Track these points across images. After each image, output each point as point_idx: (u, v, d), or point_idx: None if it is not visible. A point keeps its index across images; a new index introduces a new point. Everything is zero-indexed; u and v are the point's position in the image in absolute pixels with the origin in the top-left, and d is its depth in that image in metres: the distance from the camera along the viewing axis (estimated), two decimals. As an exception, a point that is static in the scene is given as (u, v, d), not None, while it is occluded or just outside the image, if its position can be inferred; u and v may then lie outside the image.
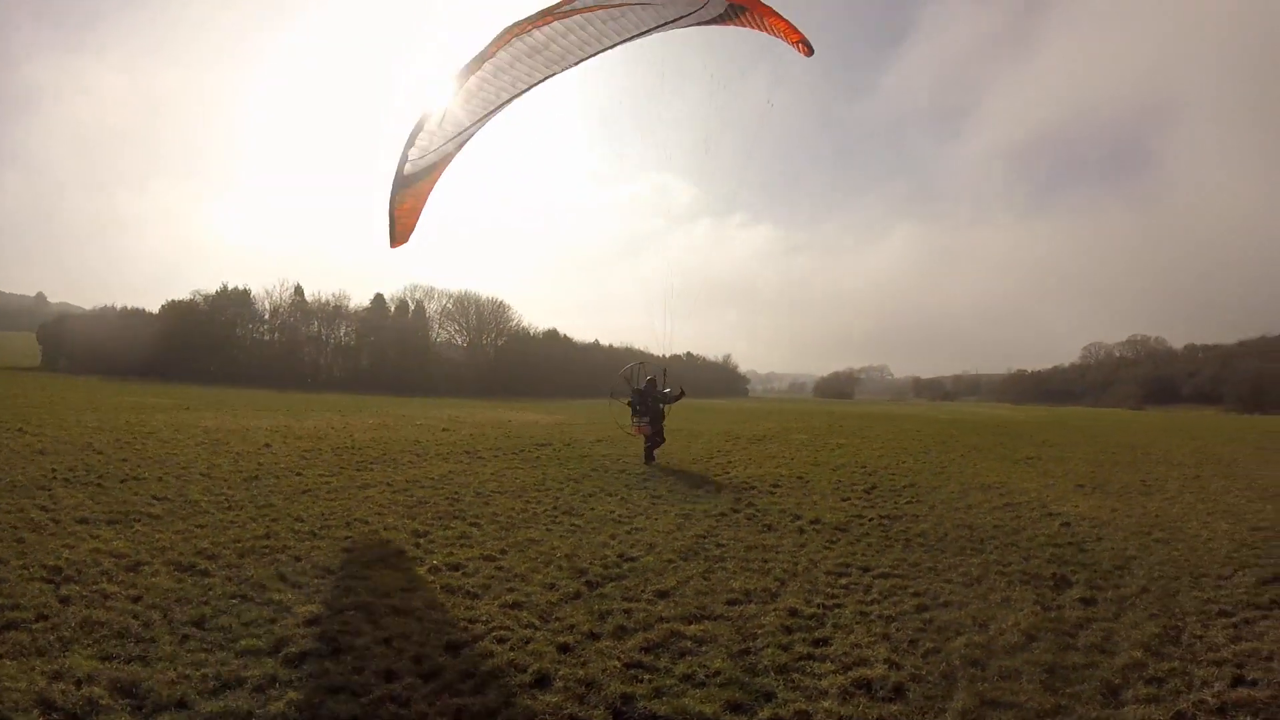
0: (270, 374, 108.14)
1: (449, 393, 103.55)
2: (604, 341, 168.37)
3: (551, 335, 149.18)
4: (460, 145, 15.38)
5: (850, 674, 7.67)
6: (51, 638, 7.63)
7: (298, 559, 11.03)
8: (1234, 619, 9.81)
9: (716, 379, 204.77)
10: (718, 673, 7.58)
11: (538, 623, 8.84)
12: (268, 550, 11.40)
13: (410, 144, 14.37)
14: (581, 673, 7.45)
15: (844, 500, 18.13)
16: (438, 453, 23.99)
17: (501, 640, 8.23)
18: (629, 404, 24.08)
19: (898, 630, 9.05)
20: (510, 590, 10.04)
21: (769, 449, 29.57)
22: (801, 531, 14.58)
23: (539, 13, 12.94)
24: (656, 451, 24.34)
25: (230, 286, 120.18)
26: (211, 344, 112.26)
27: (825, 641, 8.58)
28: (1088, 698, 7.34)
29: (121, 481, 16.26)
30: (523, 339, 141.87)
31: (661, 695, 7.08)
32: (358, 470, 19.55)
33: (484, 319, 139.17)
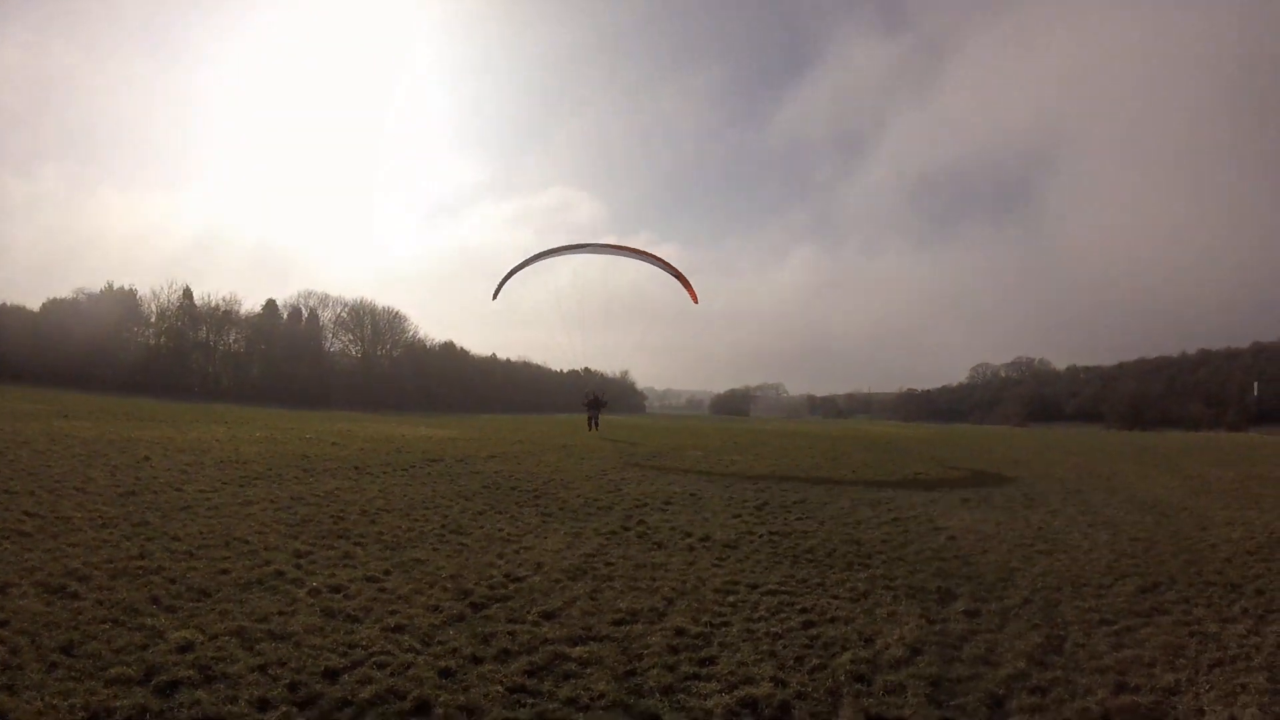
0: (155, 381, 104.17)
1: (342, 405, 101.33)
2: (502, 355, 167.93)
3: (449, 348, 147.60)
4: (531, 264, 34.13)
5: (736, 693, 7.72)
6: (-87, 667, 7.23)
7: (172, 581, 10.54)
8: (1115, 627, 10.23)
9: (614, 395, 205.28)
10: (602, 695, 7.55)
11: (419, 646, 8.66)
12: (141, 571, 10.89)
13: (528, 260, 33.28)
14: (463, 698, 7.32)
15: (735, 517, 18.25)
16: (325, 468, 23.30)
17: (381, 666, 8.03)
18: (586, 405, 46.26)
19: (784, 648, 9.15)
20: (392, 613, 9.80)
21: (663, 464, 29.62)
22: (691, 549, 14.61)
23: (601, 244, 33.45)
24: (595, 431, 44.87)
25: (116, 285, 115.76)
26: (94, 347, 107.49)
27: (711, 661, 8.61)
28: (972, 709, 7.58)
29: (-11, 495, 15.33)
30: (419, 351, 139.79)
31: (544, 720, 6.99)
32: (241, 486, 18.83)
33: (379, 329, 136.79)
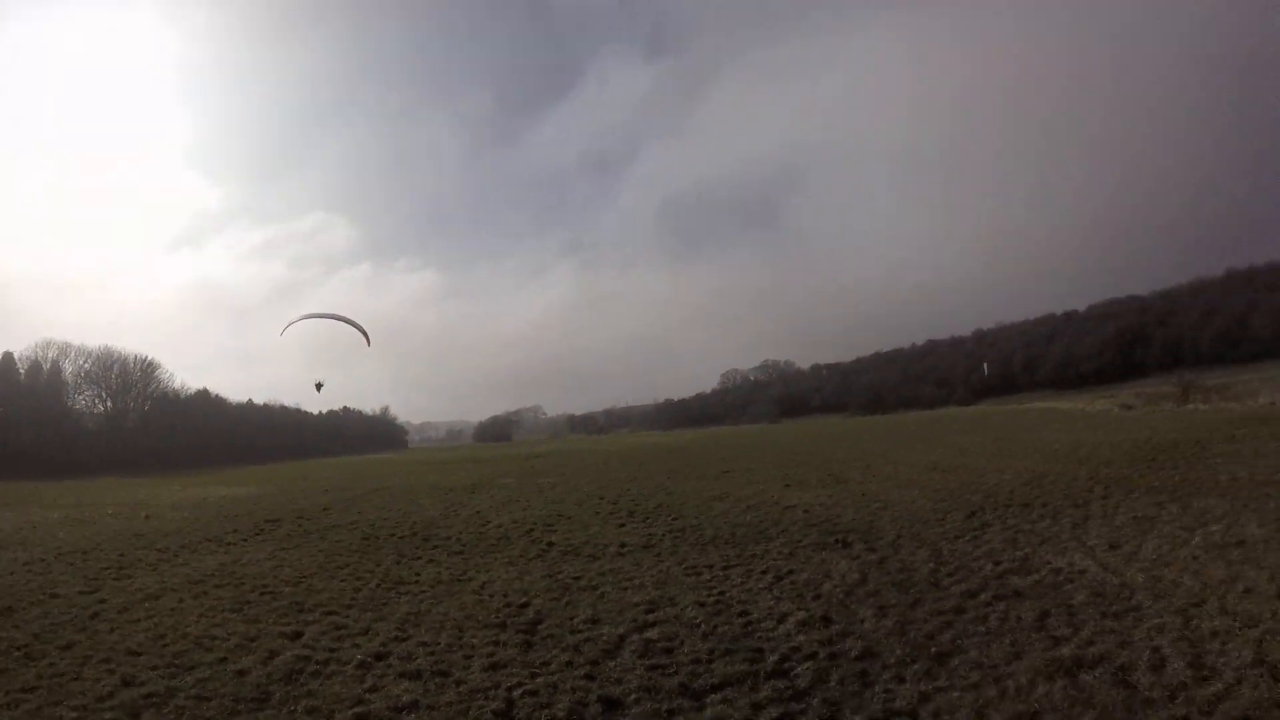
0: None
1: (94, 470, 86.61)
2: (258, 400, 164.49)
3: (203, 396, 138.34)
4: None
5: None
6: None
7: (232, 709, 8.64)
8: (964, 539, 15.71)
9: (375, 432, 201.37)
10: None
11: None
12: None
13: (311, 315, 39.83)
14: None
15: (620, 526, 20.20)
16: (184, 544, 19.89)
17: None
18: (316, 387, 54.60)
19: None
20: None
21: (494, 498, 29.03)
22: (661, 547, 17.22)
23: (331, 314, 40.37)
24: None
25: None
26: None
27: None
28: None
29: None
30: (172, 401, 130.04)
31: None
32: (117, 580, 15.83)
33: (129, 380, 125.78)
